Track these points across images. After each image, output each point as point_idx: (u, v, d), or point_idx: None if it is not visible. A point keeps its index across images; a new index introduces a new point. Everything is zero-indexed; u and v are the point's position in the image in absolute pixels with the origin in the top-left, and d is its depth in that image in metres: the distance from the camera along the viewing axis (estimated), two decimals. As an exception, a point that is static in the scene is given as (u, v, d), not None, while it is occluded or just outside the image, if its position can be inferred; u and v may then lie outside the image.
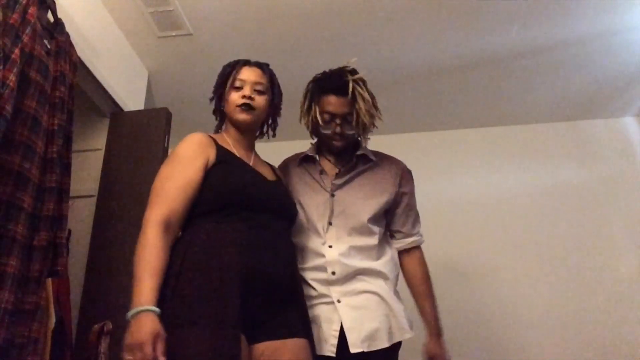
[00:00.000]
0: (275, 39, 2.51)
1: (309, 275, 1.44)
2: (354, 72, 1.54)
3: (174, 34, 2.47)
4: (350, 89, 1.47)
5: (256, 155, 1.49)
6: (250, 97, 1.37)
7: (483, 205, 3.12)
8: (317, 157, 1.58)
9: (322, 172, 1.55)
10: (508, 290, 2.89)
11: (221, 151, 1.33)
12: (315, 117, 1.51)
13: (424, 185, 3.13)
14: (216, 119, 1.50)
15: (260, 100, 1.40)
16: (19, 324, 1.33)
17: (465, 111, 3.17)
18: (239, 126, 1.41)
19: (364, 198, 1.50)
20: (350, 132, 1.51)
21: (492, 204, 3.12)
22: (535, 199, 3.08)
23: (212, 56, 2.62)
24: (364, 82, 1.53)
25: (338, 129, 1.49)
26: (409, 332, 1.42)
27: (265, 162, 1.54)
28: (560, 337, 2.73)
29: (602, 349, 2.66)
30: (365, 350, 1.32)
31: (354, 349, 1.31)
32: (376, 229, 1.50)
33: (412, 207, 1.57)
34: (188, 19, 2.38)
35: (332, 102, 1.49)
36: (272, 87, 1.45)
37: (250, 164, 1.40)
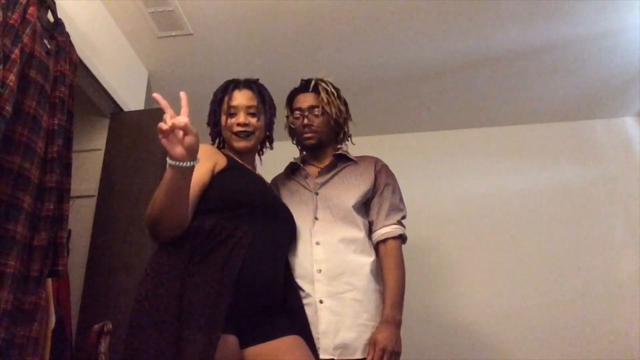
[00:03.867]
0: (275, 39, 2.51)
1: (297, 273, 1.44)
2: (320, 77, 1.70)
3: (174, 34, 2.47)
4: (312, 84, 1.64)
5: (257, 172, 1.54)
6: (245, 124, 1.41)
7: (483, 205, 3.12)
8: (301, 165, 1.67)
9: (306, 176, 1.63)
10: (508, 290, 2.89)
11: (231, 160, 1.37)
12: (288, 117, 1.68)
13: (423, 185, 3.16)
14: (213, 141, 1.52)
15: (255, 124, 1.43)
16: (18, 324, 1.33)
17: (465, 111, 3.16)
18: (238, 152, 1.45)
19: (346, 189, 1.56)
20: (317, 124, 1.61)
21: (492, 204, 3.12)
22: (535, 199, 3.08)
23: (212, 56, 2.62)
24: (330, 82, 1.67)
25: (305, 121, 1.61)
26: None
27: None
28: (560, 337, 2.73)
29: (602, 349, 2.66)
30: (336, 358, 1.32)
31: (324, 354, 1.32)
32: (360, 221, 1.52)
33: (386, 198, 1.57)
34: (188, 19, 2.38)
35: (299, 99, 1.66)
36: (264, 105, 1.47)
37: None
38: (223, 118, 1.44)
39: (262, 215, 1.29)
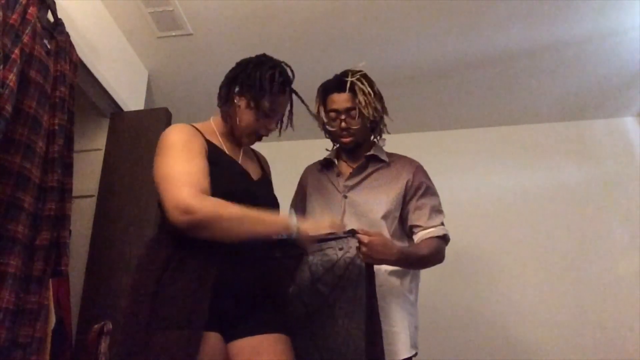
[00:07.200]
0: (275, 40, 2.51)
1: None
2: (357, 71, 1.58)
3: (174, 34, 2.47)
4: (349, 85, 1.53)
5: (244, 148, 1.39)
6: (270, 131, 1.32)
7: (483, 205, 3.12)
8: (335, 160, 1.63)
9: (338, 174, 1.60)
10: (507, 290, 2.89)
11: (211, 148, 1.23)
12: (322, 117, 1.59)
13: (424, 185, 3.15)
14: (219, 105, 1.33)
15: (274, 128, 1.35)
16: (22, 323, 1.33)
17: (465, 111, 3.16)
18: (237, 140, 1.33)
19: (375, 197, 1.52)
20: (355, 127, 1.54)
21: (492, 204, 3.12)
22: (535, 199, 3.08)
23: (212, 56, 2.61)
24: (366, 78, 1.57)
25: (343, 124, 1.54)
26: (402, 354, 1.38)
27: (253, 152, 1.45)
28: (560, 337, 2.73)
29: (602, 349, 2.66)
30: None
31: None
32: (387, 232, 1.48)
33: (427, 201, 1.53)
34: (188, 19, 2.37)
35: (335, 100, 1.56)
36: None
37: (239, 160, 1.31)
38: (252, 112, 1.26)
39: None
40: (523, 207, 3.07)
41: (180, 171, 1.09)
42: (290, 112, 1.37)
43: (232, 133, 1.32)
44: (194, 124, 1.26)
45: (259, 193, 1.30)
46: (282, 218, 1.16)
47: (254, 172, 1.34)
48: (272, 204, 1.33)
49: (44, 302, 1.42)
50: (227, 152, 1.29)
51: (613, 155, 3.09)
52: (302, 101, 1.38)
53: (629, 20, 2.32)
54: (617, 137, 3.14)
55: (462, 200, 3.13)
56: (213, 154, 1.22)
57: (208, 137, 1.25)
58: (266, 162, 1.50)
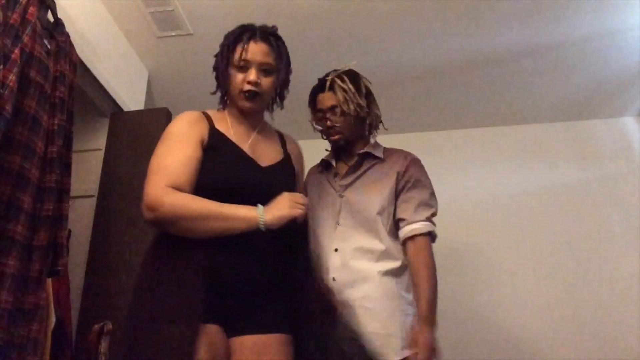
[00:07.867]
0: (275, 39, 2.51)
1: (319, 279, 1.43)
2: (341, 70, 1.61)
3: (174, 34, 2.47)
4: (329, 83, 1.57)
5: (260, 132, 1.35)
6: (255, 83, 1.24)
7: (483, 205, 3.12)
8: (332, 161, 1.64)
9: (335, 174, 1.61)
10: (507, 290, 2.88)
11: (214, 134, 1.23)
12: (312, 118, 1.65)
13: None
14: (221, 99, 1.37)
15: (266, 83, 1.27)
16: (18, 324, 1.33)
17: (465, 111, 3.16)
18: (242, 111, 1.31)
19: (370, 193, 1.52)
20: (339, 124, 1.56)
21: (492, 204, 3.11)
22: (535, 199, 3.08)
23: (212, 56, 2.60)
24: (349, 75, 1.58)
25: (328, 123, 1.57)
26: (393, 356, 1.36)
27: (274, 133, 1.41)
28: (559, 337, 2.73)
29: (602, 348, 2.66)
30: None
31: None
32: (383, 230, 1.47)
33: (415, 193, 1.50)
34: (188, 19, 2.38)
35: (319, 100, 1.60)
36: (280, 62, 1.30)
37: (247, 145, 1.28)
38: (232, 71, 1.27)
39: (236, 201, 1.15)
40: (523, 207, 3.07)
41: (160, 164, 1.13)
42: (282, 70, 1.32)
43: (239, 111, 1.31)
44: (207, 110, 1.29)
45: (264, 179, 1.24)
46: (247, 213, 1.12)
47: (266, 158, 1.29)
48: (279, 189, 1.22)
49: (40, 303, 1.42)
50: (232, 137, 1.26)
51: (613, 155, 3.09)
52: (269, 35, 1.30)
53: (629, 20, 2.32)
54: (617, 137, 3.14)
55: (462, 200, 3.13)
56: (214, 140, 1.23)
57: (216, 123, 1.27)
58: (293, 145, 1.44)
